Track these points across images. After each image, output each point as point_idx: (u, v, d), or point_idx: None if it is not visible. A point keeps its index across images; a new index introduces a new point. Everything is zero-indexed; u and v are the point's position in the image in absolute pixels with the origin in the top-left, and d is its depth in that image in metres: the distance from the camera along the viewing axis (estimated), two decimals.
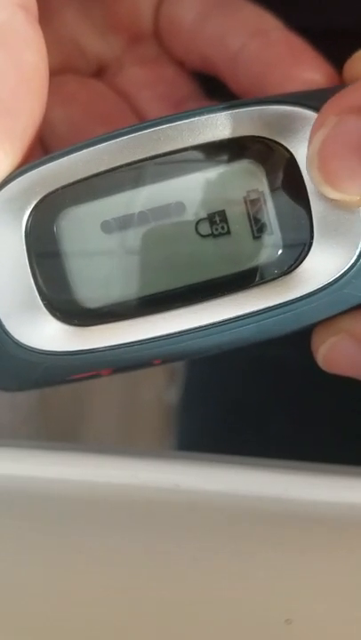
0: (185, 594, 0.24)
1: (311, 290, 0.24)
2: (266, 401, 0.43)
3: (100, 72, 0.32)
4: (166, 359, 0.25)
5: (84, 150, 0.24)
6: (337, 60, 0.27)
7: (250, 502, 0.26)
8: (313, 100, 0.24)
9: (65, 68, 0.31)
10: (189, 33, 0.30)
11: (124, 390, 0.65)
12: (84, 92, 0.30)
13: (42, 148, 0.29)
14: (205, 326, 0.24)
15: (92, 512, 0.26)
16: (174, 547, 0.25)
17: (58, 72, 0.30)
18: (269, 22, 0.29)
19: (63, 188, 0.25)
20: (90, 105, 0.30)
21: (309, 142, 0.23)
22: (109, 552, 0.25)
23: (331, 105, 0.23)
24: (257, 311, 0.24)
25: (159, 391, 0.62)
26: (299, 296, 0.24)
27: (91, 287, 0.25)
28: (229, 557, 0.25)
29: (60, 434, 0.63)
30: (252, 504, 0.25)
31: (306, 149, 0.24)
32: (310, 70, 0.27)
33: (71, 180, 0.25)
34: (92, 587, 0.24)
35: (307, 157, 0.23)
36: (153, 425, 0.62)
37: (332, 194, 0.23)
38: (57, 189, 0.25)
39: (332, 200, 0.23)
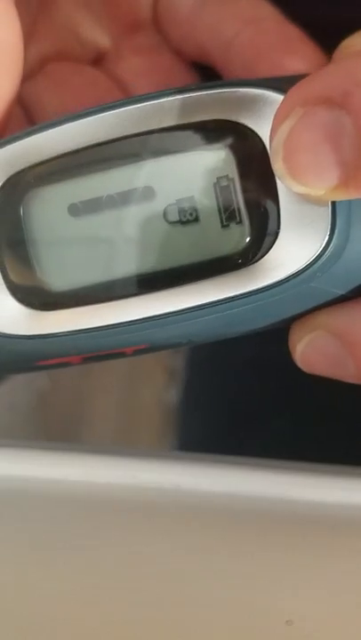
0: (185, 594, 0.24)
1: (275, 280, 0.23)
2: (266, 401, 0.43)
3: (97, 60, 0.31)
4: (135, 347, 0.25)
5: (52, 129, 0.24)
6: None
7: (250, 503, 0.25)
8: (285, 84, 0.23)
9: (62, 56, 0.31)
10: (187, 21, 0.30)
11: (124, 390, 0.65)
12: (79, 79, 0.30)
13: None
14: (170, 314, 0.24)
15: (92, 512, 0.26)
16: (174, 547, 0.25)
17: (54, 59, 0.30)
18: (265, 11, 0.29)
19: (30, 167, 0.24)
20: (83, 92, 0.29)
21: (273, 132, 0.22)
22: (109, 552, 0.25)
23: (296, 93, 0.22)
24: (222, 300, 0.23)
25: (159, 391, 0.62)
26: (263, 286, 0.23)
27: (55, 271, 0.24)
28: (230, 558, 0.25)
29: (60, 434, 0.63)
30: (253, 504, 0.25)
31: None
32: (301, 59, 0.27)
33: (38, 160, 0.24)
34: (91, 587, 0.24)
35: (270, 148, 0.22)
36: (153, 425, 0.62)
37: (297, 187, 0.22)
38: (24, 169, 0.24)
39: (307, 210, 0.23)
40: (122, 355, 0.25)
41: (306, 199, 0.23)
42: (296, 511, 0.25)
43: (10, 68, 0.24)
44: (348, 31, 0.26)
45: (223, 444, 0.42)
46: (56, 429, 0.63)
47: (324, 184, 0.21)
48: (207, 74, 0.30)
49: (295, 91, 0.22)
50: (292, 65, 0.27)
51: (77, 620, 0.24)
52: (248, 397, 0.44)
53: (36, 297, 0.24)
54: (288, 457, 0.27)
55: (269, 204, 0.23)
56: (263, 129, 0.23)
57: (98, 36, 0.31)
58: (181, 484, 0.26)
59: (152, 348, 0.25)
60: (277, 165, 0.22)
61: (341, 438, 0.40)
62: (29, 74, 0.30)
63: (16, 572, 0.25)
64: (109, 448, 0.28)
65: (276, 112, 0.22)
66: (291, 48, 0.27)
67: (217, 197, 0.24)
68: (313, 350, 0.25)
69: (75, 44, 0.31)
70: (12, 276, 0.24)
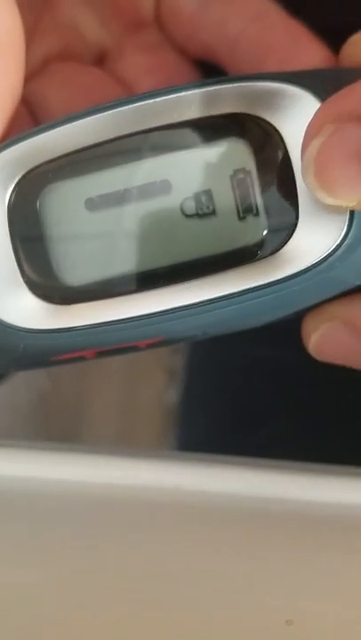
0: (185, 594, 0.24)
1: (295, 271, 0.23)
2: (266, 401, 0.43)
3: (100, 59, 0.31)
4: (151, 340, 0.25)
5: (69, 124, 0.24)
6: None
7: (250, 503, 0.25)
8: (302, 78, 0.24)
9: (65, 55, 0.31)
10: (190, 19, 0.30)
11: (124, 390, 0.65)
12: (83, 78, 0.30)
13: None
14: (187, 306, 0.24)
15: (92, 513, 0.26)
16: (175, 547, 0.25)
17: (57, 58, 0.30)
18: (269, 7, 0.29)
19: (47, 162, 0.24)
20: (88, 91, 0.29)
21: (304, 147, 0.22)
22: (109, 552, 0.25)
23: (327, 109, 0.22)
24: (240, 292, 0.24)
25: (159, 391, 0.62)
26: (282, 277, 0.23)
27: (73, 265, 0.25)
28: (230, 558, 0.25)
29: (60, 434, 0.63)
30: (253, 505, 0.25)
31: (294, 127, 0.23)
32: (309, 53, 0.27)
33: (55, 155, 0.24)
34: (91, 587, 0.24)
35: (302, 162, 0.23)
36: (153, 425, 0.62)
37: (328, 200, 0.22)
38: (41, 164, 0.24)
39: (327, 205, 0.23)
40: (135, 349, 0.25)
41: (336, 210, 0.23)
42: (296, 511, 0.25)
43: (15, 56, 0.24)
44: (348, 33, 0.26)
45: (223, 444, 0.42)
46: (56, 429, 0.63)
47: (355, 197, 0.22)
48: (211, 72, 0.30)
49: (327, 107, 0.22)
50: (300, 60, 0.27)
51: (77, 620, 0.24)
52: (248, 397, 0.44)
53: (54, 291, 0.25)
54: (288, 457, 0.27)
55: (287, 196, 0.24)
56: (280, 122, 0.24)
57: (100, 34, 0.31)
58: (181, 483, 0.26)
59: (167, 342, 0.25)
60: (309, 179, 0.22)
61: (342, 438, 0.40)
62: (33, 73, 0.30)
63: (16, 572, 0.25)
64: (109, 448, 0.28)
65: (308, 127, 0.22)
66: (297, 44, 0.28)
67: (234, 190, 0.24)
68: (328, 340, 0.26)
69: (78, 43, 0.31)
70: (30, 271, 0.25)
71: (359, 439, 0.39)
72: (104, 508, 0.26)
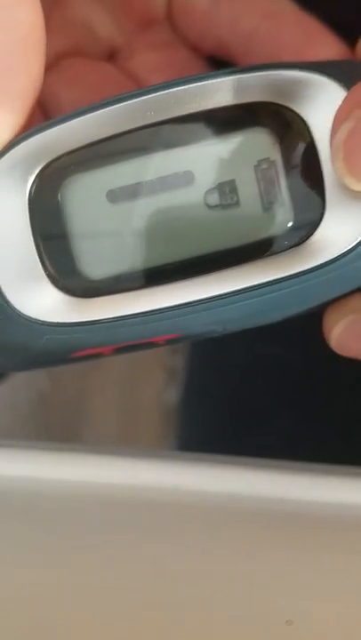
0: (185, 594, 0.24)
1: (321, 262, 0.23)
2: (267, 401, 0.43)
3: (111, 56, 0.31)
4: (170, 336, 0.25)
5: (90, 114, 0.24)
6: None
7: (250, 503, 0.25)
8: (329, 67, 0.23)
9: (76, 51, 0.30)
10: (203, 16, 0.30)
11: (124, 390, 0.65)
12: (94, 75, 0.30)
13: None
14: (210, 298, 0.23)
15: (92, 513, 0.26)
16: (174, 547, 0.25)
17: (69, 55, 0.30)
18: (282, 3, 0.29)
19: (68, 153, 0.24)
20: (99, 87, 0.29)
21: (333, 132, 0.22)
22: (109, 552, 0.25)
23: (357, 95, 0.22)
24: (264, 283, 0.23)
25: (159, 391, 0.62)
26: (307, 269, 0.23)
27: (94, 257, 0.24)
28: (230, 558, 0.25)
29: (61, 433, 0.63)
30: (253, 505, 0.25)
31: (319, 115, 0.23)
32: (324, 49, 0.27)
33: (76, 146, 0.24)
34: (91, 587, 0.24)
35: (331, 147, 0.22)
36: (153, 425, 0.62)
37: (357, 186, 0.22)
38: (62, 155, 0.24)
39: (354, 192, 0.23)
40: (154, 345, 0.25)
41: None
42: (296, 511, 0.25)
43: (37, 50, 0.24)
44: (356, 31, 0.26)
45: (223, 444, 0.42)
46: (57, 429, 0.63)
47: None
48: (223, 68, 0.30)
49: (356, 92, 0.22)
50: (315, 54, 0.27)
51: (77, 620, 0.24)
52: (248, 397, 0.44)
53: (76, 284, 0.24)
54: (288, 457, 0.27)
55: (313, 186, 0.23)
56: (306, 110, 0.23)
57: (111, 31, 0.31)
58: (181, 483, 0.26)
59: (186, 337, 0.25)
60: (337, 165, 0.22)
61: (342, 438, 0.40)
62: (45, 69, 0.30)
63: (16, 572, 0.25)
64: (109, 448, 0.28)
65: (337, 113, 0.22)
66: (312, 38, 0.28)
67: (258, 180, 0.24)
68: (350, 334, 0.25)
69: (88, 40, 0.31)
70: (51, 264, 0.24)
71: (359, 439, 0.39)
72: (104, 508, 0.26)
